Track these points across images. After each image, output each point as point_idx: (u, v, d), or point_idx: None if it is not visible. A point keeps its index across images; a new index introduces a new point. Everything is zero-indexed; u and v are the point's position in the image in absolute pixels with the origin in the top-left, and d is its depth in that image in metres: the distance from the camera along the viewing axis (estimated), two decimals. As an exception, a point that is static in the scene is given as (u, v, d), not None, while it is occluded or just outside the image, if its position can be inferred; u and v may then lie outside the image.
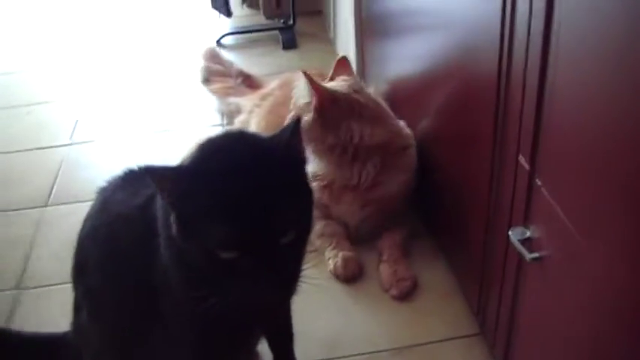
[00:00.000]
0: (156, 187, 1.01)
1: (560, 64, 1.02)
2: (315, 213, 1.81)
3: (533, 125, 1.12)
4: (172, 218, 1.00)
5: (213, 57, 2.88)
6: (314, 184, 1.84)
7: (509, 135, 1.24)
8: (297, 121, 1.03)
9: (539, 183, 1.13)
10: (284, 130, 1.02)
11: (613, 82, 0.88)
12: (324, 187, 1.88)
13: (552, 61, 1.03)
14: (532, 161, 1.15)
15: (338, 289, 1.83)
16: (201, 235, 0.96)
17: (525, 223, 1.21)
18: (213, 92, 2.73)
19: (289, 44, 3.31)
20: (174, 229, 1.00)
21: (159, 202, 1.11)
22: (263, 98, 2.33)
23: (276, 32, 3.41)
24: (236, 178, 0.94)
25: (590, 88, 0.95)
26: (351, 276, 1.83)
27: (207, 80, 2.78)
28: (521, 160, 1.18)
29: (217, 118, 2.71)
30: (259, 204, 0.93)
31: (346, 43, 2.85)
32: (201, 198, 0.94)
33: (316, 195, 1.82)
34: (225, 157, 0.98)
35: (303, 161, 1.07)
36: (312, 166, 1.86)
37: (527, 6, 1.09)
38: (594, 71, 0.93)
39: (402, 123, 1.97)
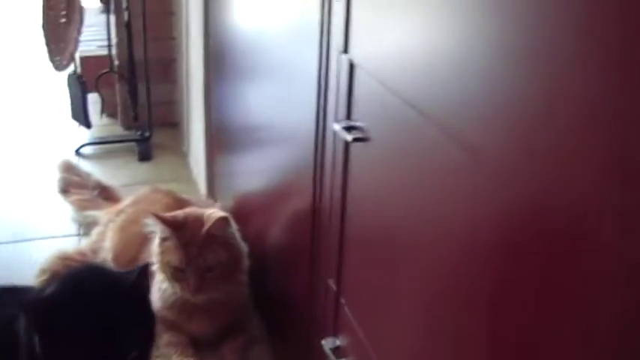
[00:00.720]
0: (20, 312, 1.21)
1: (352, 208, 1.31)
2: (164, 326, 2.00)
3: (337, 256, 1.40)
4: (36, 339, 1.20)
5: (69, 168, 3.02)
6: (162, 303, 2.04)
7: (321, 261, 1.52)
8: (146, 265, 1.28)
9: (343, 302, 1.40)
10: (135, 270, 1.26)
11: (393, 223, 1.17)
12: (172, 305, 2.07)
13: (350, 206, 1.33)
14: (338, 284, 1.43)
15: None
16: (60, 355, 1.17)
17: (335, 333, 1.47)
18: (71, 203, 2.88)
19: (145, 156, 3.50)
20: (37, 347, 1.19)
21: (23, 322, 1.30)
22: (117, 214, 2.51)
23: (134, 143, 3.59)
24: (90, 308, 1.17)
25: (375, 229, 1.24)
26: (193, 381, 2.02)
27: (64, 191, 2.92)
28: (330, 282, 1.46)
29: (74, 228, 2.85)
30: (108, 331, 1.16)
31: (197, 157, 3.09)
32: (59, 325, 1.17)
33: (165, 312, 2.03)
34: (82, 290, 1.21)
35: (147, 296, 1.31)
36: (162, 285, 2.05)
37: (331, 154, 1.38)
38: (379, 216, 1.22)
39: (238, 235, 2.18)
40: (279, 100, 1.84)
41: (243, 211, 2.34)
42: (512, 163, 0.79)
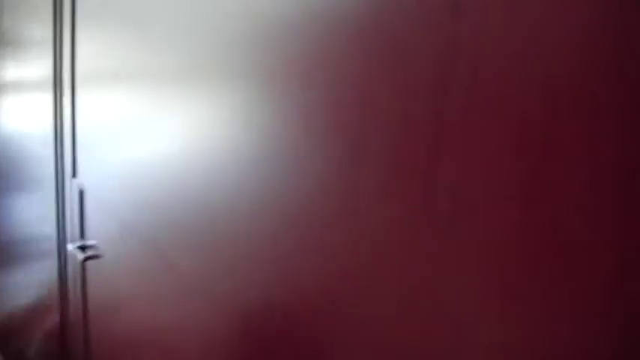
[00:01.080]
0: None
1: (94, 319, 1.41)
2: None
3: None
4: None
5: None
6: None
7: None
8: None
9: (93, 409, 1.48)
10: None
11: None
12: None
13: (92, 317, 1.42)
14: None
15: None
16: None
17: None
18: None
19: None
20: None
21: None
22: None
23: None
24: None
25: (116, 335, 1.34)
26: None
27: None
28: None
29: None
30: None
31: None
32: None
33: None
34: None
35: None
36: None
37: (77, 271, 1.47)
38: (119, 323, 1.32)
39: None
40: (35, 217, 1.90)
41: (8, 330, 2.33)
42: (203, 277, 0.94)
